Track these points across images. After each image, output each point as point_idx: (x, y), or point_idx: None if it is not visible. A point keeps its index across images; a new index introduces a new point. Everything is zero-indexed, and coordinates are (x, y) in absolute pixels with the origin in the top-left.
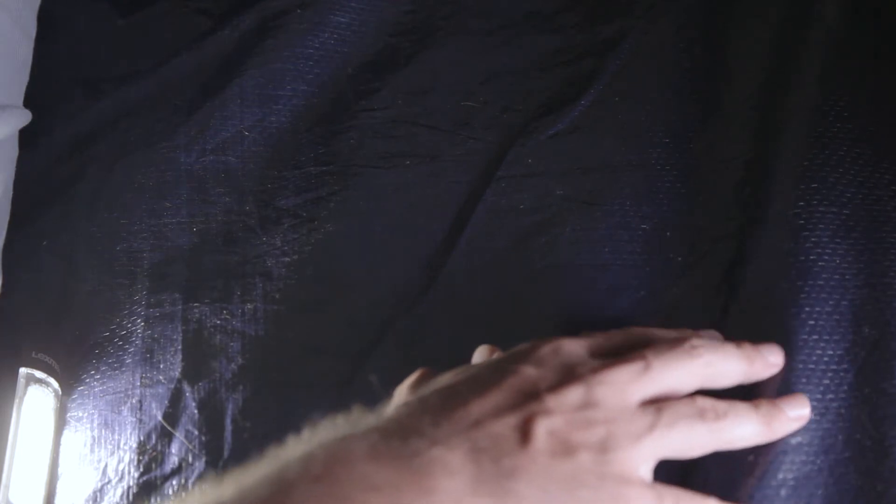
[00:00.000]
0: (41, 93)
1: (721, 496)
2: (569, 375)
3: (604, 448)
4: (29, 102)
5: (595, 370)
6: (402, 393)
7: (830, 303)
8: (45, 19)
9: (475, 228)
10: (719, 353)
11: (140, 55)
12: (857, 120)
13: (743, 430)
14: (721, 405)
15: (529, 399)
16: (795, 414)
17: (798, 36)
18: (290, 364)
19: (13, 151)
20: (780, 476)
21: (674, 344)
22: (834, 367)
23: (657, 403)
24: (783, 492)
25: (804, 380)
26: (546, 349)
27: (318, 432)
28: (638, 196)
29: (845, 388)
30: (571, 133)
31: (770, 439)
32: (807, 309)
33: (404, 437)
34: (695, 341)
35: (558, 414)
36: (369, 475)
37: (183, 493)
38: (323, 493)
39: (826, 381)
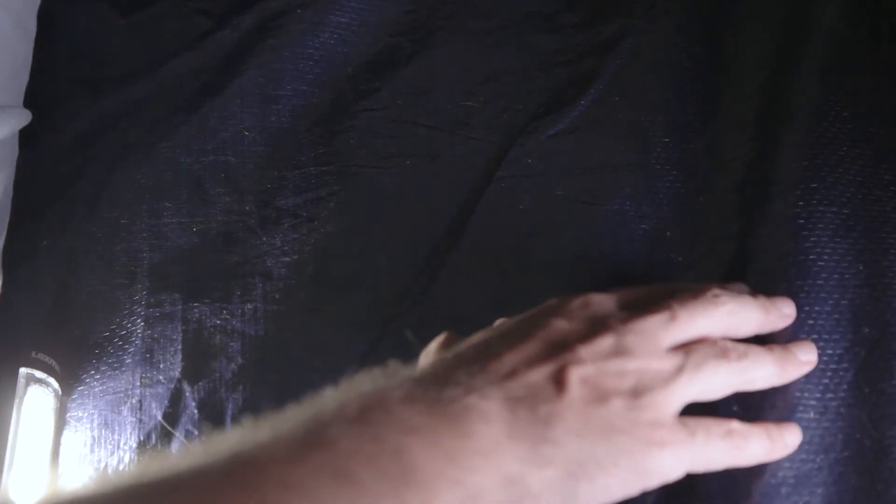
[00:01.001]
0: (41, 93)
1: (721, 493)
2: (599, 326)
3: (636, 393)
4: (29, 102)
5: (624, 320)
6: (429, 353)
7: (830, 302)
8: (45, 19)
9: (475, 228)
10: (739, 303)
11: (140, 55)
12: (857, 120)
13: (762, 370)
14: (741, 346)
15: (562, 349)
16: (806, 358)
17: (798, 36)
18: (290, 364)
19: (13, 151)
20: (781, 474)
21: (697, 293)
22: (833, 366)
23: (685, 347)
24: (783, 490)
25: (803, 379)
26: (576, 303)
27: (354, 383)
28: (638, 196)
29: (845, 387)
30: (571, 133)
31: (783, 381)
32: (806, 308)
33: (440, 386)
34: (717, 290)
35: (590, 363)
36: (406, 418)
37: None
38: (359, 433)
39: (826, 381)
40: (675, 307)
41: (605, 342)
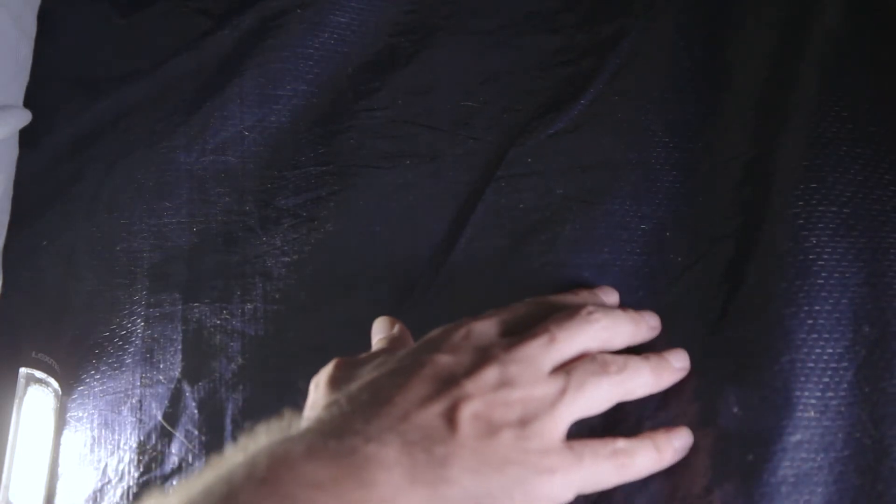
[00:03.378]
0: (41, 93)
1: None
2: (483, 357)
3: (523, 423)
4: (29, 102)
5: (506, 348)
6: (320, 386)
7: (830, 301)
8: (45, 19)
9: (475, 228)
10: (612, 318)
11: (140, 55)
12: (857, 120)
13: (639, 379)
14: (619, 359)
15: (449, 385)
16: (679, 365)
17: (798, 36)
18: (290, 364)
19: (13, 151)
20: (781, 473)
21: (573, 313)
22: (834, 365)
23: (566, 367)
24: (783, 489)
25: (803, 378)
26: (458, 335)
27: (256, 438)
28: (637, 196)
29: (845, 386)
30: (571, 132)
31: (659, 388)
32: (806, 308)
33: (339, 437)
34: (590, 307)
35: (478, 397)
36: (311, 473)
37: None
38: (269, 493)
39: (826, 380)
40: (552, 329)
41: (490, 374)
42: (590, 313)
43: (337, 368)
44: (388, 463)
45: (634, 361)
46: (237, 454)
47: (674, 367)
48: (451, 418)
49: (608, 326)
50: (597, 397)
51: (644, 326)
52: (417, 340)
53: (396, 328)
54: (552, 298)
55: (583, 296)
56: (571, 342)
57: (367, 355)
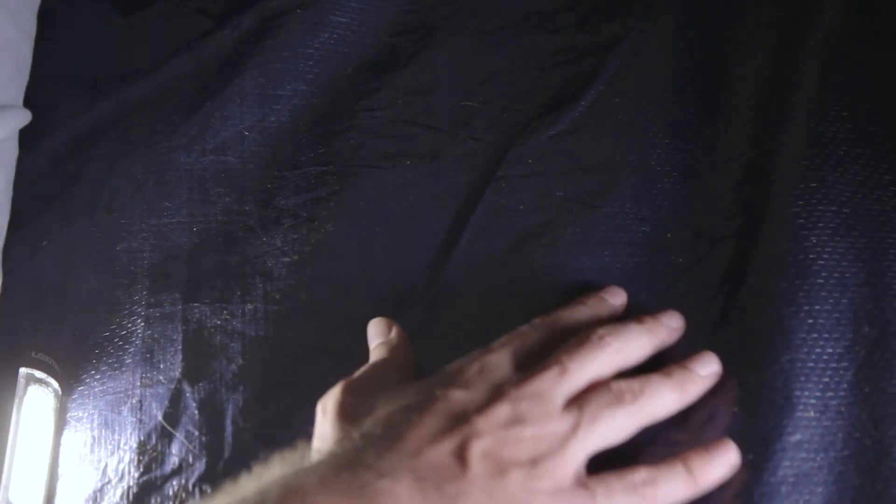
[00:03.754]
0: (41, 93)
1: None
2: (495, 394)
3: (534, 462)
4: (29, 102)
5: (518, 384)
6: (328, 414)
7: (830, 301)
8: (45, 19)
9: (475, 229)
10: (624, 336)
11: (140, 55)
12: (857, 120)
13: (661, 400)
14: (636, 383)
15: (461, 422)
16: (706, 371)
17: (798, 36)
18: (291, 364)
19: (13, 151)
20: (781, 473)
21: (583, 340)
22: (834, 365)
23: (578, 400)
24: (783, 489)
25: (803, 378)
26: (472, 369)
27: (269, 469)
28: (638, 197)
29: (845, 386)
30: (571, 133)
31: (686, 403)
32: (806, 308)
33: (352, 470)
34: (601, 331)
35: (489, 434)
36: None
37: (183, 494)
38: None
39: (826, 380)
40: (563, 360)
41: (502, 411)
42: (600, 338)
43: (345, 394)
44: (400, 498)
45: (653, 383)
46: (250, 483)
47: (700, 375)
48: (461, 456)
49: (621, 348)
50: (612, 429)
51: (663, 332)
52: (416, 351)
53: (394, 332)
54: (563, 316)
55: (591, 303)
56: (583, 372)
57: (374, 375)
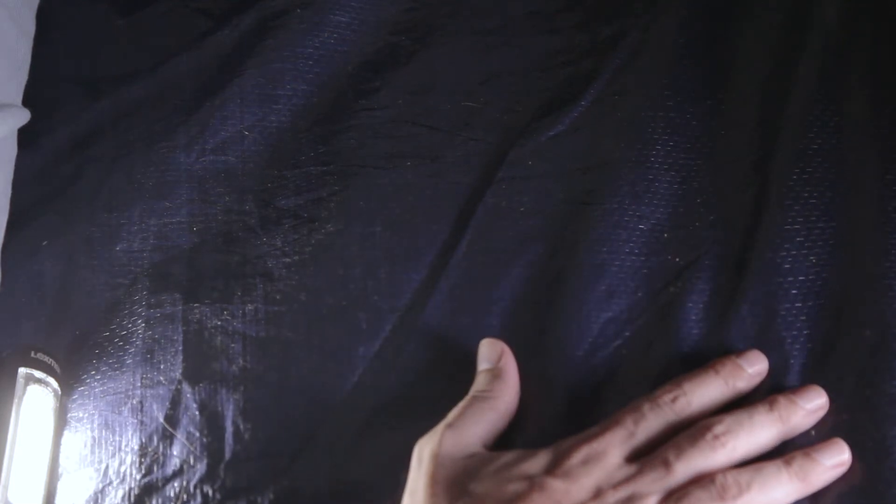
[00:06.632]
0: (41, 92)
1: None
2: (593, 494)
3: None
4: (28, 102)
5: (616, 486)
6: (424, 467)
7: (830, 302)
8: (45, 18)
9: (475, 230)
10: (744, 432)
11: (140, 55)
12: (858, 120)
13: (774, 493)
14: (744, 476)
15: None
16: (833, 462)
17: (798, 36)
18: (291, 365)
19: (12, 151)
20: None
21: (696, 437)
22: (834, 365)
23: (676, 494)
24: None
25: (804, 380)
26: (577, 457)
27: None
28: (637, 196)
29: (846, 387)
30: (571, 134)
31: (808, 493)
32: (806, 309)
33: None
34: (718, 428)
35: None
36: None
37: (184, 496)
38: None
39: (826, 380)
40: (670, 459)
41: None
42: (715, 437)
43: (444, 444)
44: None
45: (766, 472)
46: None
47: (825, 466)
48: None
49: (738, 447)
50: None
51: (798, 417)
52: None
53: (503, 360)
54: (689, 391)
55: (724, 373)
56: (687, 470)
57: (473, 423)
